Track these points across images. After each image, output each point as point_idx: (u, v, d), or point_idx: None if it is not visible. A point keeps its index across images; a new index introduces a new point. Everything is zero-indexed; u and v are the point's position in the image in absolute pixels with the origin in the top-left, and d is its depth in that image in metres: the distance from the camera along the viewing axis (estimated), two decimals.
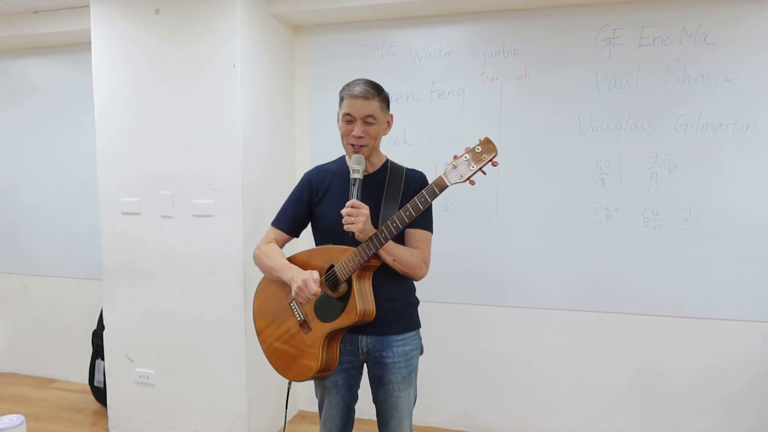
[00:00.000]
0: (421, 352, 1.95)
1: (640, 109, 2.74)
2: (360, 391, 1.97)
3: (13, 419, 1.13)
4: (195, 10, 2.72)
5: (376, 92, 1.78)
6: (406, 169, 1.89)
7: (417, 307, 1.96)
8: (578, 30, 2.78)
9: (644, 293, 2.80)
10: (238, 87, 2.70)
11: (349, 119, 1.78)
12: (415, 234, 1.82)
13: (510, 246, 2.94)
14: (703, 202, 2.70)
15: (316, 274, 1.73)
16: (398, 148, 3.01)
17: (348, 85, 1.80)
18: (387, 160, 1.91)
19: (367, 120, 1.76)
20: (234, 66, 2.69)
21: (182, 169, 2.83)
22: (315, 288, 1.69)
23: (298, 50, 3.20)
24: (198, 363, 2.90)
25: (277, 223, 1.95)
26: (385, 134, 1.87)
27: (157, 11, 2.78)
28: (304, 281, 1.70)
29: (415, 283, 1.95)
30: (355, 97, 1.75)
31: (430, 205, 1.82)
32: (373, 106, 1.76)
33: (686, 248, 2.73)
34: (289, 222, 1.94)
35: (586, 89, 2.79)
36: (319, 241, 1.91)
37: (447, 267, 3.01)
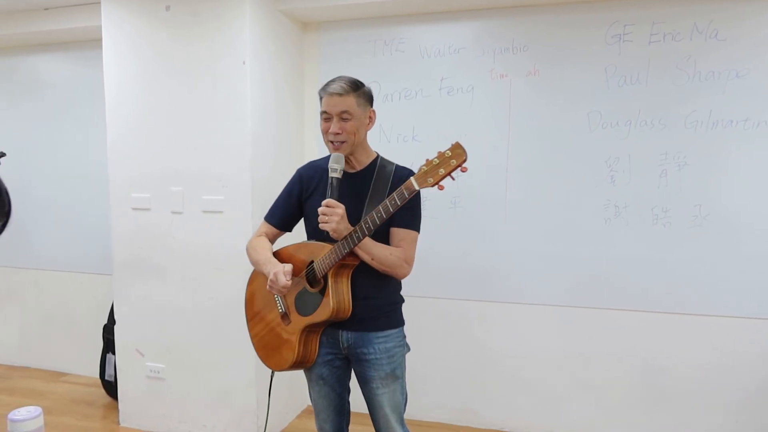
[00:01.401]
0: (408, 351, 1.95)
1: (649, 105, 2.73)
2: (356, 386, 1.97)
3: (32, 411, 1.15)
4: (205, 7, 2.73)
5: (352, 88, 1.78)
6: (396, 166, 1.88)
7: (401, 305, 1.96)
8: (588, 26, 2.78)
9: (653, 290, 2.79)
10: (247, 84, 2.71)
11: (326, 117, 1.80)
12: (398, 233, 1.81)
13: (519, 243, 2.95)
14: (713, 199, 2.69)
15: (288, 267, 1.78)
16: (407, 144, 3.02)
17: (325, 84, 1.82)
18: (377, 158, 1.90)
19: (343, 116, 1.77)
20: (244, 63, 2.70)
21: (192, 166, 2.85)
22: (284, 281, 1.75)
23: (306, 47, 3.21)
24: (208, 358, 2.93)
25: (268, 218, 2.00)
26: (368, 129, 1.86)
27: (167, 8, 2.79)
28: (275, 274, 1.76)
29: (401, 281, 1.94)
30: (330, 94, 1.77)
31: (416, 204, 1.83)
32: (348, 101, 1.76)
33: (695, 245, 2.72)
34: (278, 217, 1.98)
35: (595, 86, 2.79)
36: (309, 236, 1.94)
37: (455, 264, 3.02)
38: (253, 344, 1.99)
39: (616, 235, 2.82)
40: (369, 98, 1.85)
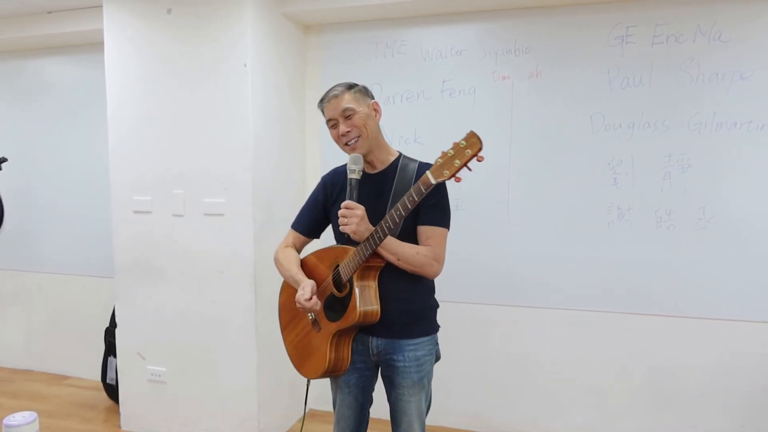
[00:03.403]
0: (438, 359, 1.92)
1: (653, 107, 2.71)
2: (376, 392, 1.96)
3: (26, 416, 1.14)
4: (207, 10, 2.73)
5: (346, 87, 1.80)
6: (420, 163, 1.84)
7: (435, 310, 1.92)
8: (590, 28, 2.76)
9: (657, 293, 2.77)
10: (249, 86, 2.71)
11: (332, 124, 1.80)
12: (425, 231, 1.78)
13: (521, 246, 2.93)
14: (717, 201, 2.67)
15: (309, 287, 1.76)
16: (409, 147, 3.00)
17: (322, 96, 1.84)
18: (399, 156, 1.88)
19: (346, 114, 1.77)
20: (245, 65, 2.70)
21: (193, 168, 2.84)
22: (311, 303, 1.74)
23: (308, 49, 3.20)
24: (209, 361, 2.92)
25: (295, 225, 2.00)
26: (377, 121, 1.84)
27: (169, 11, 2.80)
28: (297, 300, 1.76)
29: (434, 284, 1.92)
30: (328, 101, 1.80)
31: (441, 200, 1.79)
32: (346, 98, 1.77)
33: (699, 248, 2.70)
34: (305, 225, 1.98)
35: (598, 88, 2.77)
36: (337, 241, 1.92)
37: (457, 267, 2.99)
38: (288, 353, 1.97)
39: (620, 238, 2.80)
40: (366, 93, 1.85)
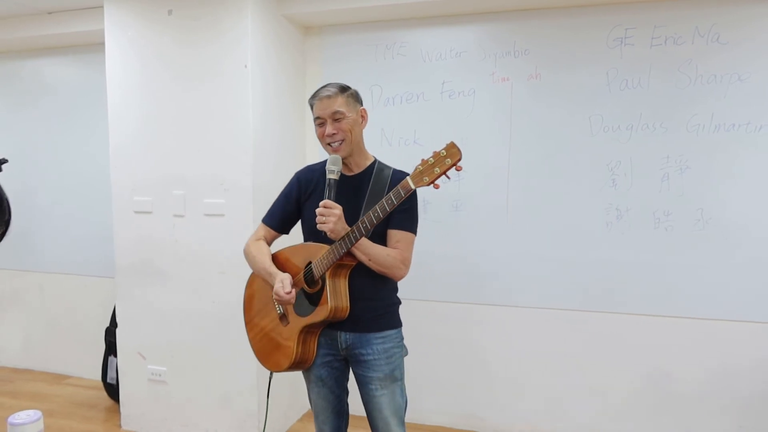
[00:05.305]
0: (406, 353, 1.96)
1: (651, 109, 2.73)
2: (355, 389, 1.97)
3: (31, 414, 1.15)
4: (207, 11, 2.75)
5: (339, 90, 1.83)
6: (394, 170, 1.91)
7: (398, 306, 1.98)
8: (589, 30, 2.78)
9: (655, 294, 2.79)
10: (249, 87, 2.72)
11: (320, 122, 1.85)
12: (395, 235, 1.83)
13: (520, 246, 2.94)
14: (715, 202, 2.68)
15: (287, 279, 1.81)
16: (408, 148, 3.02)
17: (314, 92, 1.87)
18: (374, 162, 1.93)
19: (335, 117, 1.81)
20: (245, 66, 2.71)
21: (194, 169, 2.85)
22: (290, 297, 1.79)
23: (309, 51, 3.22)
24: (210, 361, 2.93)
25: (266, 220, 2.03)
26: (362, 128, 1.90)
27: (169, 12, 2.81)
28: (276, 291, 1.80)
29: (398, 283, 1.96)
30: (320, 98, 1.83)
31: (413, 207, 1.86)
32: (338, 101, 1.81)
33: (698, 249, 2.72)
34: (277, 219, 2.01)
35: (597, 89, 2.79)
36: (306, 238, 1.96)
37: (456, 267, 3.02)
38: (252, 346, 2.01)
39: (618, 239, 2.81)
40: (357, 98, 1.89)
